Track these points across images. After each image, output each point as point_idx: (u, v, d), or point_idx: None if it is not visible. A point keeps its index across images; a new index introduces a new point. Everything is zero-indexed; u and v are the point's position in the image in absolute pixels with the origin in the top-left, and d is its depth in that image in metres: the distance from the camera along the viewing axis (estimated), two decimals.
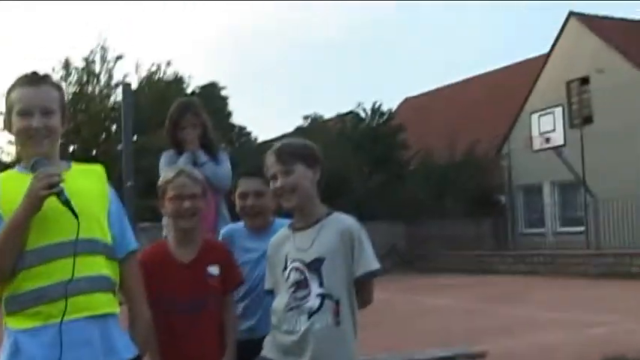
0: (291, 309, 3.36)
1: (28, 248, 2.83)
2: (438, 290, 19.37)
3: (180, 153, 5.20)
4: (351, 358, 3.32)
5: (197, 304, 3.64)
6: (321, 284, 3.31)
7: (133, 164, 8.88)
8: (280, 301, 3.41)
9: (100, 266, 2.93)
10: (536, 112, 25.70)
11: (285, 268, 3.42)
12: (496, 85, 34.78)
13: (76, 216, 2.81)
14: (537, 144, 25.20)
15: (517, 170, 30.02)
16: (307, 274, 3.34)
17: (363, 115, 33.06)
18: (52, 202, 2.84)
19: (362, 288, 3.38)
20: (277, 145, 3.50)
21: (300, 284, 3.36)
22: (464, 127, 33.06)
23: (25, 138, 2.99)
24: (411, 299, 17.43)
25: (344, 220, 3.42)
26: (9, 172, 3.07)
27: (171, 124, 5.28)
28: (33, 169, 2.91)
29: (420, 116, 37.69)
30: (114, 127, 27.17)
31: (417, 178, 30.76)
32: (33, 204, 2.81)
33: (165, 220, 4.32)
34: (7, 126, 3.05)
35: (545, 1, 70.62)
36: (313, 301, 3.31)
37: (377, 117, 32.78)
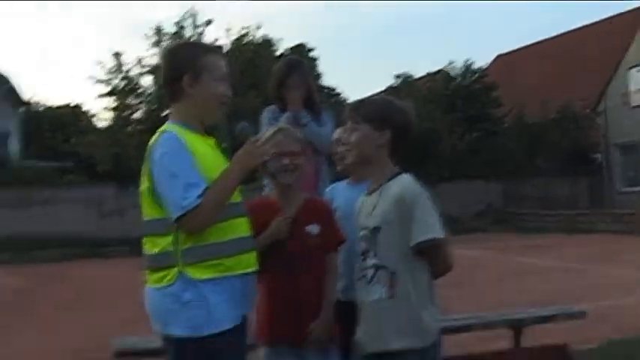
0: (359, 279, 3.33)
1: None
2: (534, 250, 19.08)
3: (283, 110, 5.20)
4: (409, 331, 3.15)
5: (296, 260, 3.65)
6: (375, 254, 3.23)
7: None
8: (355, 272, 3.39)
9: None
10: (635, 66, 24.88)
11: (359, 235, 3.38)
12: (591, 40, 33.78)
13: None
14: (636, 100, 24.43)
15: (613, 128, 29.22)
16: (370, 244, 3.27)
17: (454, 73, 32.61)
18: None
19: (428, 257, 3.19)
20: (354, 101, 3.50)
21: (365, 254, 3.30)
22: (558, 83, 32.30)
23: (218, 103, 3.26)
24: (507, 258, 17.23)
25: (401, 184, 3.24)
26: (177, 128, 3.17)
27: (277, 81, 5.26)
28: (242, 132, 3.25)
29: (512, 73, 36.97)
30: None
31: (510, 136, 30.26)
32: (249, 168, 3.17)
33: (265, 180, 4.36)
34: (177, 82, 3.20)
35: None
36: (370, 272, 3.25)
37: (469, 75, 32.30)
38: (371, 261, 3.24)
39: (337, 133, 4.25)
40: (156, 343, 4.78)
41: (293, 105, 5.14)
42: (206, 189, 3.04)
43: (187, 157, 3.06)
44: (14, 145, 35.97)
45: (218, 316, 3.06)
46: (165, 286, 3.07)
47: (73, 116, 42.84)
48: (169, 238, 3.07)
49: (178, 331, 3.06)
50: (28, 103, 41.18)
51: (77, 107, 44.64)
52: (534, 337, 5.97)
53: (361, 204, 3.45)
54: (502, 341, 6.19)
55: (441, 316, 3.32)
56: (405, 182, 3.25)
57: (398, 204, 3.18)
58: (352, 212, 3.63)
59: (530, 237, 22.92)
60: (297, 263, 3.66)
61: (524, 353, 5.72)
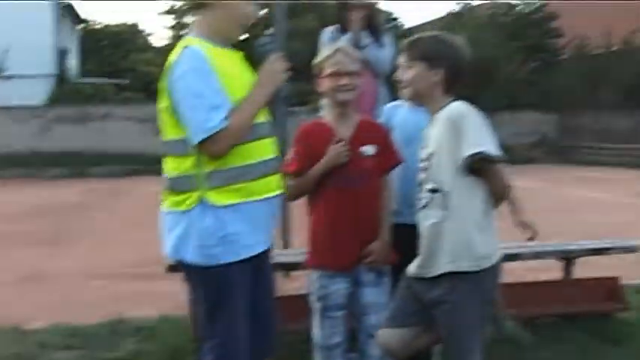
0: (419, 206, 3.36)
1: None
2: (589, 182, 18.84)
3: (344, 32, 5.14)
4: (463, 253, 3.17)
5: (351, 181, 3.67)
6: (431, 179, 3.26)
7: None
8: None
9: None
10: None
11: (420, 167, 3.42)
12: None
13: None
14: None
15: None
16: (426, 171, 3.31)
17: (515, 1, 31.88)
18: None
19: (482, 176, 3.19)
20: (410, 38, 3.45)
21: (423, 180, 3.34)
22: (621, 15, 31.31)
23: (243, 21, 3.13)
24: (560, 191, 17.05)
25: (448, 109, 3.26)
26: (202, 43, 3.05)
27: (338, 2, 5.21)
28: (265, 49, 3.17)
29: (574, 3, 35.96)
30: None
31: (570, 68, 29.60)
32: (275, 86, 3.09)
33: (323, 101, 4.36)
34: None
35: None
36: (426, 196, 3.28)
37: (531, 3, 31.55)
38: (427, 185, 3.28)
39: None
40: None
41: (354, 26, 5.08)
42: (231, 111, 2.95)
43: (212, 75, 2.94)
44: (72, 62, 36.40)
45: (234, 246, 3.00)
46: (183, 210, 2.99)
47: (130, 34, 43.20)
48: (191, 161, 2.97)
49: (191, 257, 3.01)
50: (86, 21, 41.50)
51: (134, 25, 44.96)
52: (585, 271, 5.95)
53: (423, 140, 3.48)
54: (553, 273, 6.18)
55: (496, 243, 3.30)
56: (453, 106, 3.27)
57: (446, 127, 3.21)
58: (408, 134, 3.62)
59: (587, 170, 22.60)
60: (354, 182, 3.67)
61: (574, 284, 5.71)
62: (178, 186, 3.01)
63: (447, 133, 3.20)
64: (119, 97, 30.56)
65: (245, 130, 2.98)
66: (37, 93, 28.42)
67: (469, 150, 3.12)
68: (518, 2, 31.88)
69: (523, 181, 17.57)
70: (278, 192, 3.16)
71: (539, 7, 31.47)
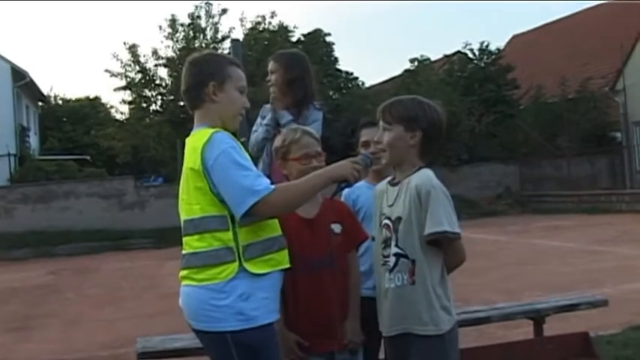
0: (381, 265, 3.46)
1: None
2: (553, 231, 19.08)
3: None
4: (425, 317, 3.29)
5: (322, 260, 3.68)
6: (397, 244, 3.37)
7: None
8: (375, 258, 3.54)
9: None
10: None
11: (380, 223, 3.50)
12: (607, 18, 33.51)
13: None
14: None
15: (633, 106, 28.83)
16: (392, 232, 3.40)
17: (470, 55, 32.48)
18: None
19: (444, 249, 3.33)
20: (387, 101, 3.52)
21: (387, 242, 3.43)
22: (575, 63, 32.08)
23: (238, 112, 3.39)
24: (526, 242, 17.22)
25: (419, 178, 3.34)
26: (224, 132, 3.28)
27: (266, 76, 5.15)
28: (365, 162, 3.38)
29: (529, 54, 36.78)
30: None
31: (528, 118, 30.12)
32: (339, 178, 3.28)
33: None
34: (201, 88, 3.33)
35: None
36: (392, 260, 3.38)
37: (485, 56, 32.15)
38: (393, 249, 3.38)
39: (367, 134, 4.25)
40: (180, 342, 4.88)
41: (273, 103, 5.00)
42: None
43: (246, 154, 3.21)
44: (34, 140, 36.26)
45: (263, 311, 3.17)
46: (220, 281, 3.14)
47: (91, 108, 43.18)
48: (229, 235, 3.15)
49: (230, 325, 3.14)
50: (46, 97, 41.47)
51: (95, 99, 44.97)
52: (555, 321, 6.00)
53: (383, 192, 3.57)
54: (524, 327, 6.23)
55: (456, 305, 3.44)
56: (423, 175, 3.36)
57: (416, 197, 3.31)
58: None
59: (550, 218, 22.88)
60: (326, 262, 3.68)
61: (546, 342, 5.74)
62: (214, 259, 3.16)
63: (414, 205, 3.31)
64: (82, 173, 30.42)
65: (296, 199, 3.24)
66: None
67: (432, 228, 3.25)
68: (472, 57, 32.38)
69: (489, 234, 17.83)
70: (288, 266, 3.33)
71: (494, 60, 32.00)
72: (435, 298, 3.31)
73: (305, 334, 3.66)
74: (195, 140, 3.24)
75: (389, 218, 3.43)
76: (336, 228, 3.76)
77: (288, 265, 3.29)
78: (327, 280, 3.68)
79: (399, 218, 3.36)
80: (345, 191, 4.22)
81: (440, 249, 3.33)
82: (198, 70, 3.36)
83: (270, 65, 5.09)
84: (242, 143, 3.37)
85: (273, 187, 3.14)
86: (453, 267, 3.41)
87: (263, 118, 5.05)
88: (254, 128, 5.03)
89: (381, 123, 3.48)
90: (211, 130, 3.23)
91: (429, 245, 3.30)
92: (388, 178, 3.60)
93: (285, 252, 3.30)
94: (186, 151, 3.31)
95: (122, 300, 12.50)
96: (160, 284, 13.68)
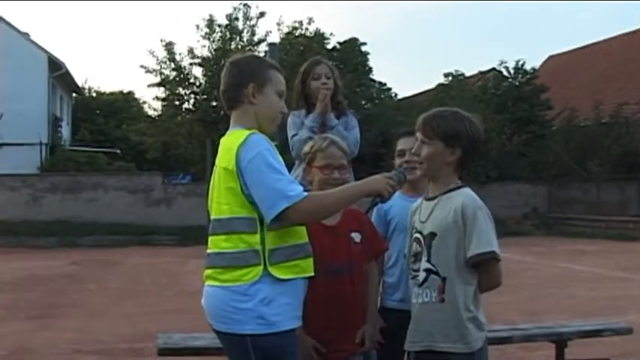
0: (410, 279, 3.44)
1: None
2: (579, 255, 18.87)
3: (308, 112, 5.02)
4: (454, 335, 3.25)
5: (340, 267, 3.70)
6: (429, 259, 3.32)
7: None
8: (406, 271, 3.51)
9: None
10: None
11: (411, 236, 3.48)
12: None
13: None
14: None
15: None
16: (423, 247, 3.36)
17: (505, 73, 32.31)
18: None
19: (481, 270, 3.29)
20: (428, 113, 3.44)
21: (417, 256, 3.39)
22: (610, 86, 31.82)
23: (275, 116, 3.40)
24: (551, 264, 17.08)
25: (464, 197, 3.31)
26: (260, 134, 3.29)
27: (301, 81, 5.07)
28: (399, 176, 3.35)
29: (564, 75, 36.53)
30: None
31: (560, 139, 29.87)
32: (372, 192, 3.27)
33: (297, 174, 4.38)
34: (240, 89, 3.33)
35: None
36: (422, 275, 3.34)
37: (520, 75, 31.96)
38: (424, 265, 3.34)
39: (404, 143, 4.16)
40: (200, 341, 4.90)
41: (320, 107, 4.93)
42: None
43: (280, 158, 3.21)
44: (66, 131, 36.57)
45: (284, 317, 3.16)
46: (245, 283, 3.13)
47: (124, 102, 43.50)
48: (257, 237, 3.15)
49: (250, 329, 3.13)
50: (80, 89, 41.82)
51: (129, 94, 45.29)
52: (577, 346, 5.95)
53: (417, 207, 3.54)
54: (545, 350, 6.18)
55: (486, 324, 3.38)
56: (467, 195, 3.33)
57: (457, 216, 3.27)
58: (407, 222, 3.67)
59: (576, 242, 22.65)
60: (345, 269, 3.71)
61: None
62: (239, 261, 3.15)
63: (456, 223, 3.26)
64: (111, 166, 30.65)
65: (326, 209, 3.26)
66: (29, 161, 28.53)
67: (480, 248, 3.23)
68: (507, 75, 32.21)
69: (514, 254, 17.69)
70: (313, 274, 3.31)
71: (529, 80, 31.82)
72: (466, 315, 3.26)
73: (320, 339, 3.68)
74: (231, 140, 3.24)
75: (420, 232, 3.40)
76: (356, 237, 3.80)
77: (312, 274, 3.28)
78: (345, 286, 3.71)
79: (433, 234, 3.32)
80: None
81: (475, 270, 3.29)
82: (238, 70, 3.37)
83: (326, 69, 5.06)
84: (275, 146, 3.36)
85: (305, 194, 3.13)
86: (486, 289, 3.35)
87: (301, 122, 5.00)
88: (293, 132, 4.98)
89: (419, 134, 3.42)
90: (248, 132, 3.23)
91: (467, 265, 3.26)
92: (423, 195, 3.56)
93: (311, 260, 3.29)
94: (220, 150, 3.31)
95: (143, 295, 12.56)
96: (182, 282, 13.75)
